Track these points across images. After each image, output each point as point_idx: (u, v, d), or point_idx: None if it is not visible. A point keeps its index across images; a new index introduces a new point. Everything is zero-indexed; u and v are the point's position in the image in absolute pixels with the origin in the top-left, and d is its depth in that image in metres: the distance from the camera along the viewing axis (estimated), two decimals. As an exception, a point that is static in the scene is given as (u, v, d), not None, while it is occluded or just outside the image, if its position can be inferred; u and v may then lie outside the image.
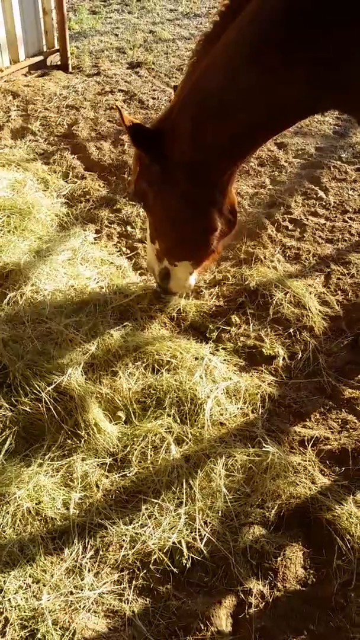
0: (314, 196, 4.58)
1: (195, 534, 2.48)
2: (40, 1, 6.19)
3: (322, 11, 2.19)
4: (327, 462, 2.82)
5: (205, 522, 2.54)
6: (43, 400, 2.83)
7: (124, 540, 2.46)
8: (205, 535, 2.48)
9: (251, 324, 3.50)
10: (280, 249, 4.07)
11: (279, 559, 2.44)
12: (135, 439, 2.79)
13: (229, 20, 2.41)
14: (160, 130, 2.74)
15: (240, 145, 2.67)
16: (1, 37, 5.88)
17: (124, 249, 4.08)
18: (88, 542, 2.46)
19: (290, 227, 4.28)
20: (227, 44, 2.42)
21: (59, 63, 6.51)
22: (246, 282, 3.75)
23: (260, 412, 2.99)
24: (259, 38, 2.33)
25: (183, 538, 2.46)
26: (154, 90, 6.05)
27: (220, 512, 2.57)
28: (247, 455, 2.74)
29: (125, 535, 2.48)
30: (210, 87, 2.51)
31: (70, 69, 6.45)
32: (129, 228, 4.24)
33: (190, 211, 2.89)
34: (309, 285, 3.74)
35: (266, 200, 4.54)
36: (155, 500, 2.58)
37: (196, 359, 3.19)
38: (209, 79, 2.51)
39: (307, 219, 4.34)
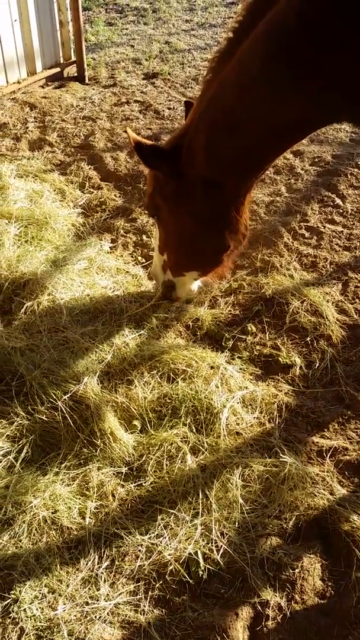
0: (331, 204, 4.56)
1: (212, 545, 2.46)
2: (57, 13, 6.27)
3: (332, 27, 2.19)
4: (346, 472, 2.78)
5: (221, 533, 2.52)
6: (59, 408, 2.84)
7: (140, 551, 2.45)
8: (221, 546, 2.45)
9: (267, 333, 3.48)
10: (296, 257, 4.04)
11: (296, 570, 2.41)
12: (151, 448, 2.78)
13: (242, 37, 2.41)
14: (177, 147, 2.75)
15: (254, 160, 2.66)
16: (19, 49, 5.96)
17: (139, 258, 4.09)
18: (104, 552, 2.45)
19: (307, 234, 4.26)
20: (240, 60, 2.42)
21: (75, 74, 6.58)
22: (262, 291, 3.73)
23: (277, 422, 2.96)
24: (271, 53, 2.33)
25: (199, 549, 2.44)
26: (170, 100, 6.09)
27: (237, 523, 2.54)
28: (264, 466, 2.72)
29: (141, 545, 2.47)
30: (224, 104, 2.52)
31: (86, 81, 6.51)
32: (144, 237, 4.25)
33: (203, 228, 2.89)
34: (326, 293, 3.71)
35: (282, 208, 4.53)
36: (172, 511, 2.56)
37: (212, 367, 3.18)
38: (222, 96, 2.52)
39: (324, 227, 4.32)
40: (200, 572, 2.38)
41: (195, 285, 3.39)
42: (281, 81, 2.37)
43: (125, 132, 2.94)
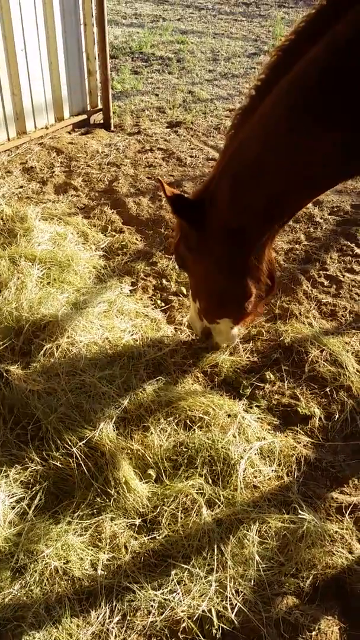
0: (350, 253, 4.57)
1: (226, 603, 2.38)
2: (86, 63, 6.50)
3: (353, 82, 2.24)
4: (365, 530, 2.70)
5: (236, 591, 2.44)
6: (74, 455, 2.81)
7: (152, 606, 2.38)
8: (236, 604, 2.38)
9: (286, 382, 3.45)
10: (315, 305, 4.04)
11: (313, 633, 2.32)
12: (165, 500, 2.73)
13: (265, 93, 2.49)
14: (201, 199, 2.84)
15: (276, 211, 2.72)
16: (48, 97, 6.16)
17: (158, 301, 4.11)
18: (115, 605, 2.39)
19: (326, 283, 4.26)
20: (263, 114, 2.49)
21: (101, 122, 6.76)
22: (281, 338, 3.72)
23: (295, 476, 2.90)
24: (295, 104, 2.39)
25: (213, 606, 2.36)
26: (192, 148, 6.22)
27: (252, 580, 2.47)
28: (282, 522, 2.65)
29: (154, 600, 2.40)
30: (247, 156, 2.59)
31: (112, 128, 6.69)
32: (164, 281, 4.28)
33: (226, 277, 2.96)
34: (346, 342, 3.68)
35: (301, 256, 4.55)
36: (185, 566, 2.49)
37: (229, 416, 3.14)
38: (245, 149, 2.59)
39: (343, 276, 4.32)
40: (214, 631, 2.31)
41: (235, 332, 3.41)
42: (303, 134, 2.42)
43: (157, 180, 3.04)
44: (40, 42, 5.87)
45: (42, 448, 2.91)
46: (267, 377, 3.48)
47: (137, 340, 3.64)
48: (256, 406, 3.30)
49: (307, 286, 4.20)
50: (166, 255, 4.50)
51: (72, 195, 5.24)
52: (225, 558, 2.53)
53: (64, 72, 6.21)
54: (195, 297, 3.34)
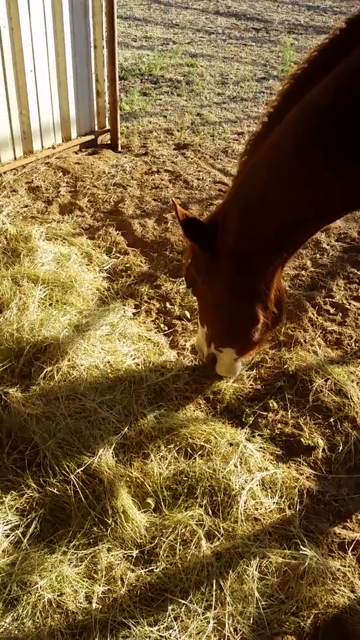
0: (357, 280, 4.53)
1: (224, 642, 2.31)
2: (95, 84, 6.54)
3: None
4: (369, 568, 2.63)
5: (235, 629, 2.37)
6: (72, 482, 2.75)
7: (147, 643, 2.30)
8: (234, 643, 2.30)
9: (289, 411, 3.39)
10: (321, 333, 3.99)
11: None
12: (164, 531, 2.66)
13: (276, 120, 2.49)
14: (213, 223, 2.85)
15: (284, 240, 2.70)
16: (56, 117, 6.19)
17: (162, 325, 4.07)
18: (109, 641, 2.31)
19: (332, 310, 4.22)
20: (273, 142, 2.49)
21: (109, 142, 6.79)
22: (285, 366, 3.67)
23: (297, 509, 2.83)
24: (304, 133, 2.38)
25: (211, 646, 2.29)
26: (199, 171, 6.23)
27: (251, 618, 2.39)
28: (283, 557, 2.57)
29: (149, 637, 2.32)
30: (256, 183, 2.59)
31: (119, 149, 6.71)
32: (167, 304, 4.24)
33: (233, 302, 2.94)
34: (351, 372, 3.63)
35: (307, 283, 4.52)
36: (183, 601, 2.42)
37: (231, 444, 3.09)
38: (255, 176, 2.59)
39: (349, 303, 4.27)
40: (211, 673, 2.23)
41: (238, 365, 3.36)
42: (312, 162, 2.41)
43: (172, 202, 3.04)
44: (50, 63, 5.92)
45: (39, 474, 2.85)
46: (271, 405, 3.42)
47: (139, 365, 3.59)
48: (259, 435, 3.24)
49: (312, 313, 4.16)
50: (170, 279, 4.47)
51: (77, 215, 5.23)
52: (224, 594, 2.46)
53: (73, 92, 6.24)
54: (203, 321, 3.32)
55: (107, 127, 6.80)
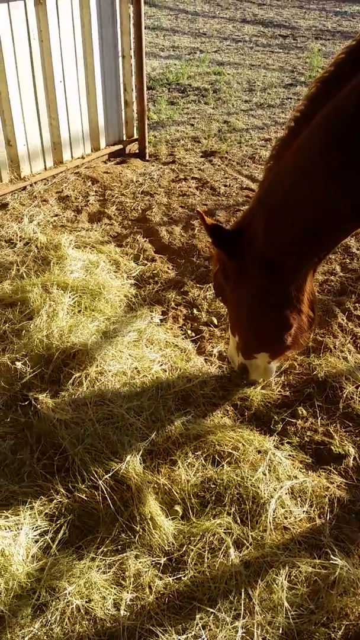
0: (387, 285, 4.46)
1: (253, 652, 2.27)
2: (123, 94, 6.61)
3: None
4: None
5: (264, 639, 2.33)
6: (100, 488, 2.76)
7: (175, 652, 2.28)
8: (263, 654, 2.27)
9: (319, 418, 3.34)
10: (351, 339, 3.93)
11: None
12: (192, 538, 2.64)
13: (303, 125, 2.47)
14: (240, 229, 2.83)
15: (311, 246, 2.67)
16: (85, 127, 6.28)
17: (189, 331, 4.06)
18: (137, 649, 2.30)
19: (362, 316, 4.15)
20: (300, 146, 2.47)
21: (137, 151, 6.84)
22: (314, 372, 3.62)
23: (327, 518, 2.78)
24: (329, 137, 2.36)
25: (239, 656, 2.26)
26: (226, 178, 6.23)
27: (281, 628, 2.36)
28: (313, 567, 2.53)
29: (177, 646, 2.30)
30: (281, 188, 2.57)
31: (147, 157, 6.76)
32: (194, 310, 4.24)
33: (264, 308, 2.91)
34: (382, 379, 3.56)
35: (337, 288, 4.46)
36: (211, 610, 2.39)
37: (259, 452, 3.05)
38: (281, 180, 2.57)
39: (380, 309, 4.20)
40: None
41: (272, 368, 3.32)
42: (339, 166, 2.39)
43: (197, 212, 3.04)
44: (79, 74, 6.00)
45: (68, 479, 2.87)
46: (300, 412, 3.38)
47: (166, 371, 3.59)
48: (287, 443, 3.20)
49: (342, 319, 4.10)
50: (198, 285, 4.47)
51: (105, 223, 5.27)
52: (253, 603, 2.42)
53: (102, 103, 6.32)
54: (234, 330, 3.27)
55: (135, 136, 6.86)
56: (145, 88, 6.53)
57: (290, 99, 8.72)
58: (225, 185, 6.02)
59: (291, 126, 2.55)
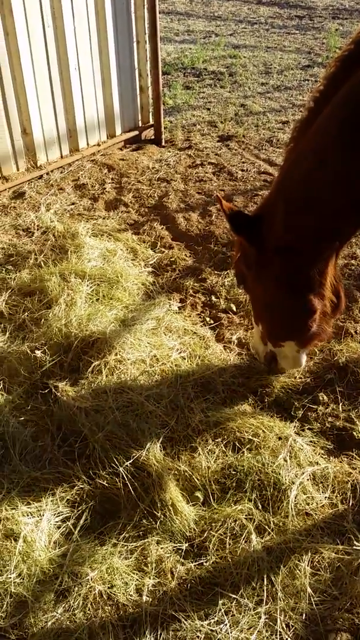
0: None
1: (276, 637, 2.27)
2: (138, 80, 6.56)
3: None
4: None
5: (287, 625, 2.33)
6: (120, 475, 2.77)
7: (198, 637, 2.29)
8: (287, 639, 2.26)
9: (340, 404, 3.31)
10: (372, 324, 3.88)
11: (369, 675, 2.18)
12: (213, 524, 2.64)
13: (322, 105, 2.42)
14: (259, 215, 2.78)
15: (331, 231, 2.62)
16: (100, 114, 6.24)
17: (207, 319, 4.04)
18: (160, 634, 2.31)
19: (383, 300, 4.09)
20: (318, 128, 2.42)
21: (152, 137, 6.79)
22: (335, 358, 3.58)
23: (350, 504, 2.76)
24: (349, 118, 2.31)
25: (262, 641, 2.25)
26: (243, 162, 6.15)
27: (304, 614, 2.35)
28: (336, 553, 2.52)
29: (200, 631, 2.31)
30: (301, 171, 2.53)
31: (163, 143, 6.71)
32: (213, 298, 4.21)
33: (286, 294, 2.85)
34: None
35: (357, 272, 4.40)
36: (233, 596, 2.39)
37: (280, 438, 3.03)
38: (300, 163, 2.53)
39: None
40: (263, 668, 2.20)
41: (303, 356, 3.25)
42: (357, 149, 2.33)
43: (216, 197, 2.99)
44: (94, 60, 5.96)
45: (89, 466, 2.88)
46: (320, 398, 3.35)
47: (185, 359, 3.57)
48: (308, 429, 3.17)
49: (362, 303, 4.04)
50: (215, 272, 4.44)
51: (122, 211, 5.25)
52: (276, 589, 2.42)
53: (117, 89, 6.27)
54: (257, 319, 3.23)
55: (151, 122, 6.81)
56: (160, 73, 6.46)
57: (308, 80, 8.58)
58: (243, 170, 5.95)
59: (311, 107, 2.50)
